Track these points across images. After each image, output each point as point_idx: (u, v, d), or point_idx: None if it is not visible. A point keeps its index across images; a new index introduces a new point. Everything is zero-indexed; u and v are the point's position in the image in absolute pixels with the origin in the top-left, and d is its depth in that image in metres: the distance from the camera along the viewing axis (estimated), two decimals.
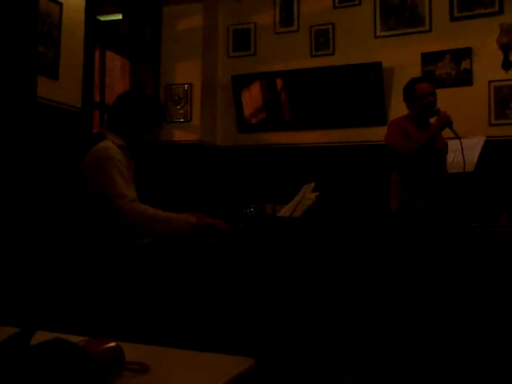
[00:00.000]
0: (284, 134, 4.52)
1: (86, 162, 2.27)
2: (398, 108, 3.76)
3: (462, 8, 4.00)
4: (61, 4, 3.17)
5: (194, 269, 2.17)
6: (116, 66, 4.37)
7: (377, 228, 3.39)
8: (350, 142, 4.28)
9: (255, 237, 2.63)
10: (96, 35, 3.71)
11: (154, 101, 2.53)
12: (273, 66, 4.52)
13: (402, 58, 4.13)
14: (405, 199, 3.19)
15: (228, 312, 2.18)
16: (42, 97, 2.94)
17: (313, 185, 3.17)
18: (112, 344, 0.93)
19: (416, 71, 3.96)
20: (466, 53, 3.97)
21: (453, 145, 3.27)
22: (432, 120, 3.20)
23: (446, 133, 3.19)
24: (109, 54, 4.15)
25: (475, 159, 3.28)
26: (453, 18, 4.04)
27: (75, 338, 0.90)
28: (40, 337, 0.86)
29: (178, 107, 4.51)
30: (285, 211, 3.06)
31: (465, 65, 3.99)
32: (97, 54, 3.88)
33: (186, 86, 4.49)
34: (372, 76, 4.18)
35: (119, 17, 4.36)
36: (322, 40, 4.40)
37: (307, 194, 3.10)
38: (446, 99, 3.58)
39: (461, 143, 3.08)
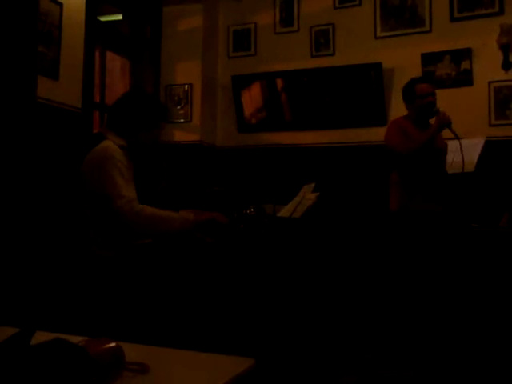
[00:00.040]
0: (284, 135, 4.52)
1: (86, 163, 2.27)
2: (397, 108, 3.76)
3: (462, 8, 4.00)
4: (61, 4, 3.17)
5: (194, 269, 2.17)
6: (116, 66, 4.37)
7: (376, 228, 3.39)
8: (350, 143, 4.28)
9: (255, 237, 2.63)
10: (96, 35, 3.70)
11: (155, 101, 2.53)
12: (273, 66, 4.52)
13: (402, 58, 4.13)
14: (404, 199, 3.20)
15: (228, 312, 2.18)
16: (42, 97, 2.95)
17: (313, 185, 3.17)
18: (112, 344, 0.93)
19: (416, 72, 3.95)
20: (466, 53, 3.97)
21: (452, 145, 3.27)
22: (432, 120, 3.20)
23: (446, 133, 3.19)
24: (109, 54, 4.15)
25: (475, 160, 3.27)
26: (453, 19, 4.04)
27: (75, 338, 0.90)
28: (40, 337, 0.86)
29: (178, 107, 4.50)
30: (285, 211, 3.06)
31: (465, 65, 3.98)
32: (97, 54, 3.87)
33: (186, 86, 4.49)
34: (372, 76, 4.18)
35: (119, 17, 4.36)
36: (322, 40, 4.40)
37: (307, 195, 3.10)
38: (446, 100, 3.58)
39: (460, 143, 3.09)
